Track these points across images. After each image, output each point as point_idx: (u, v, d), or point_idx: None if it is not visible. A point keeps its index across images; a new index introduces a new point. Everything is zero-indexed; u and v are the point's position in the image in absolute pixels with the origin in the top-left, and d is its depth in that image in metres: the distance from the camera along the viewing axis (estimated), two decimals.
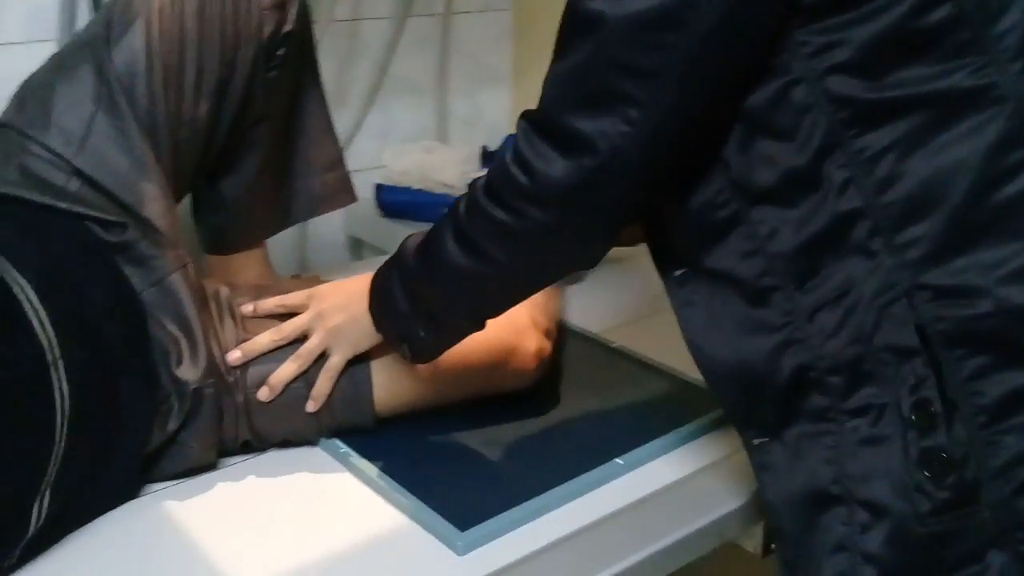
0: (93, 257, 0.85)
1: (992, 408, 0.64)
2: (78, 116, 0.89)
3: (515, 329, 0.96)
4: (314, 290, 0.94)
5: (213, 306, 0.93)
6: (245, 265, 1.13)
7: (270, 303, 0.94)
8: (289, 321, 0.93)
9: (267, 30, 0.98)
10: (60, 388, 0.75)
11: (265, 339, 0.91)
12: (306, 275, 1.29)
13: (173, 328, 0.87)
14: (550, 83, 0.70)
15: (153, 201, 0.90)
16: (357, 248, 1.70)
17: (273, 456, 0.93)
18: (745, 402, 0.75)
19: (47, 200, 0.86)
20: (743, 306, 0.72)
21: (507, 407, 0.98)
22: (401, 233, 1.55)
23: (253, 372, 0.90)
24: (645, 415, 0.98)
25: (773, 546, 0.85)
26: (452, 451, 0.93)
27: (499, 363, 0.96)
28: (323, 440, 0.94)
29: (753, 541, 0.89)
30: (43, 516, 0.76)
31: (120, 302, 0.85)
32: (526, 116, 0.72)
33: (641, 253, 0.85)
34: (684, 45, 0.64)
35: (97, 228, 0.87)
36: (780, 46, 0.65)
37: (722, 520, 0.83)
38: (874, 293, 0.66)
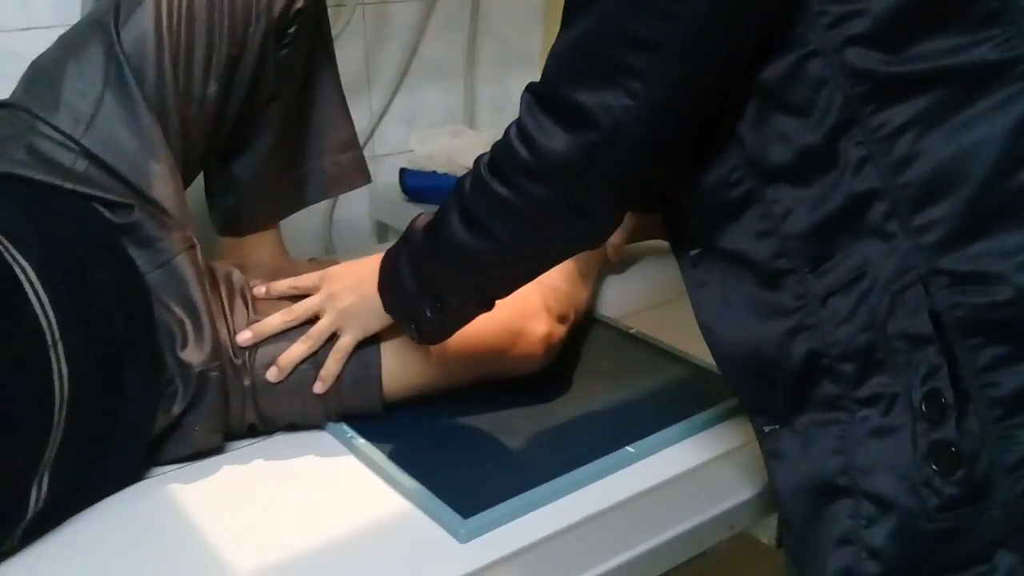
0: (98, 239, 0.85)
1: (1008, 401, 0.61)
2: (86, 96, 0.89)
3: (524, 313, 0.95)
4: (326, 271, 0.93)
5: (223, 288, 0.92)
6: (259, 247, 1.13)
7: (282, 285, 0.93)
8: (301, 302, 0.92)
9: (277, 8, 0.97)
10: (59, 370, 0.75)
11: (276, 320, 0.90)
12: (324, 258, 1.28)
13: (179, 310, 0.86)
14: (553, 55, 0.69)
15: (161, 182, 0.89)
16: (383, 232, 1.69)
17: (279, 440, 0.93)
18: (756, 387, 0.72)
19: (53, 180, 0.86)
20: (756, 288, 0.69)
21: (518, 393, 0.97)
22: None
23: (262, 353, 0.90)
24: (659, 402, 0.96)
25: None
26: (460, 437, 0.92)
27: (507, 346, 0.95)
28: (330, 424, 0.93)
29: (768, 533, 0.86)
30: (42, 498, 0.76)
31: (124, 284, 0.85)
32: (530, 88, 0.70)
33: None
34: (689, 15, 0.61)
35: (103, 209, 0.86)
36: (797, 17, 0.62)
37: (732, 511, 0.81)
38: (889, 278, 0.63)
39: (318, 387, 0.90)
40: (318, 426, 0.93)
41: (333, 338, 0.91)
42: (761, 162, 0.66)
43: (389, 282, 0.86)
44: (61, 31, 0.96)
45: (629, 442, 0.87)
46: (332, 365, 0.90)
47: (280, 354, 0.90)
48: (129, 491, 0.85)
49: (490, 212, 0.74)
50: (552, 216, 0.72)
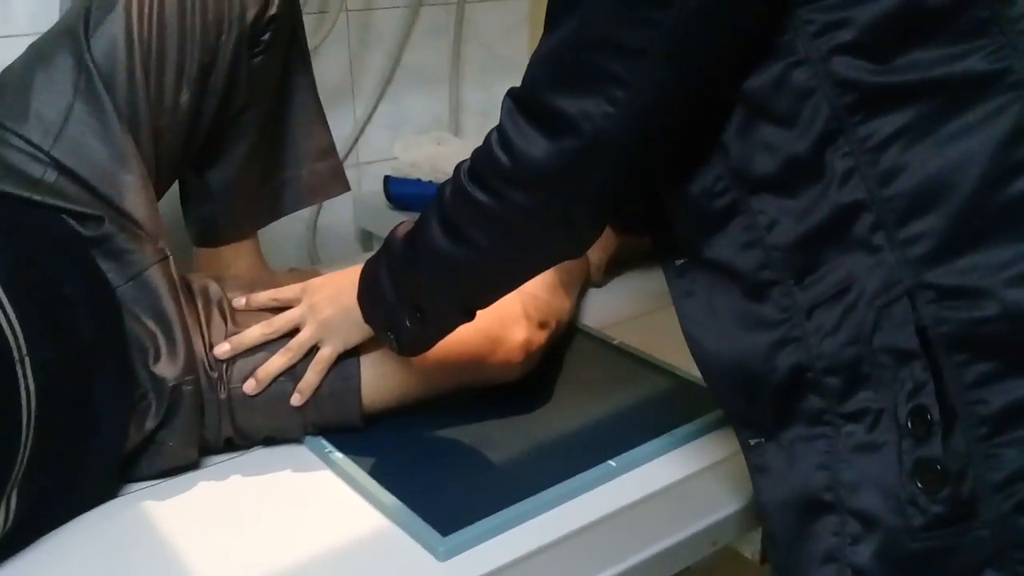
0: (67, 252, 0.83)
1: (995, 418, 0.59)
2: (56, 106, 0.87)
3: (503, 320, 0.93)
4: (307, 283, 0.92)
5: (200, 300, 0.91)
6: (236, 257, 1.11)
7: (263, 296, 0.92)
8: (281, 315, 0.90)
9: (250, 15, 0.95)
10: (26, 386, 0.73)
11: (255, 332, 0.89)
12: (305, 268, 1.27)
13: (151, 324, 0.85)
14: (535, 60, 0.67)
15: (133, 192, 0.88)
16: (367, 240, 1.67)
17: (257, 455, 0.91)
18: (741, 400, 0.71)
19: (22, 192, 0.84)
20: (742, 300, 0.68)
21: (500, 406, 0.96)
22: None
23: (239, 366, 0.88)
24: (642, 415, 0.95)
25: None
26: (439, 451, 0.91)
27: (486, 353, 0.93)
28: (308, 439, 0.92)
29: (751, 547, 0.85)
30: (11, 517, 0.74)
31: (94, 298, 0.83)
32: (511, 94, 0.69)
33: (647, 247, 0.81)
34: (672, 22, 0.60)
35: (72, 222, 0.84)
36: (783, 25, 0.61)
37: (715, 526, 0.80)
38: (875, 291, 0.62)
39: (296, 399, 0.88)
40: (296, 440, 0.92)
41: (313, 351, 0.89)
42: (746, 172, 0.65)
43: (369, 293, 0.85)
44: None
45: (611, 456, 0.86)
46: (312, 377, 0.88)
47: (258, 367, 0.88)
48: (102, 509, 0.83)
49: (470, 220, 0.73)
50: (533, 224, 0.71)
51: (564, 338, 1.10)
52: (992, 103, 0.59)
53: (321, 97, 1.14)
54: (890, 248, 0.61)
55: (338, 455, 0.88)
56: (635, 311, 1.19)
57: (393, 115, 1.68)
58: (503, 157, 0.68)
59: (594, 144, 0.64)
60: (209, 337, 0.88)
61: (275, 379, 0.88)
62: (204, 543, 0.78)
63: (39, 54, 0.91)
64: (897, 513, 0.61)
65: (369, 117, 1.65)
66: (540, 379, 1.00)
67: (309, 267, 1.31)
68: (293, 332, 0.90)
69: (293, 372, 0.89)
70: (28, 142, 0.86)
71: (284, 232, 1.58)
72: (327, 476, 0.87)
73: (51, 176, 0.85)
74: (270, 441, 0.92)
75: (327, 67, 1.56)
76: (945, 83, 0.59)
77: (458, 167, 0.74)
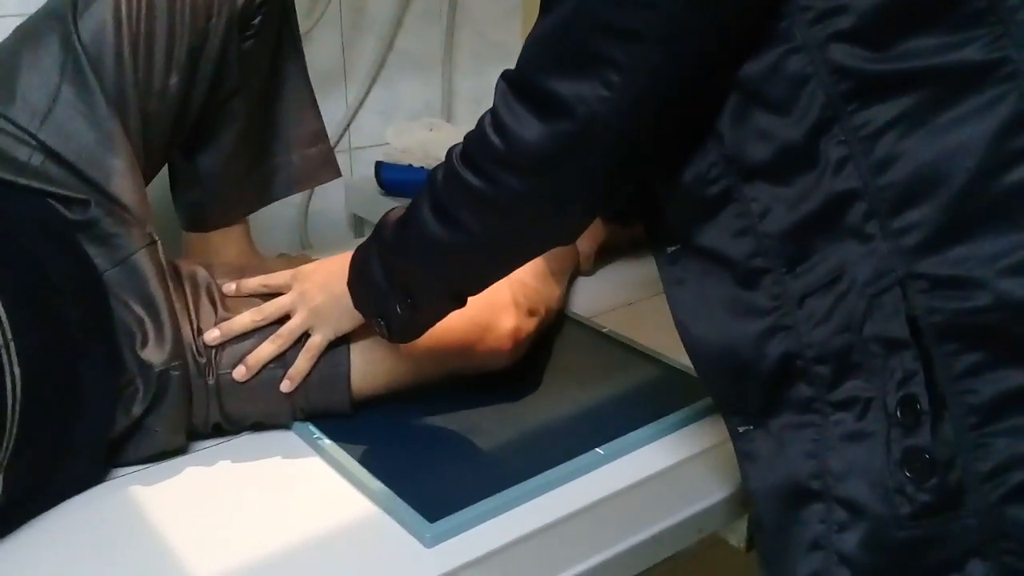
0: (53, 236, 0.83)
1: (984, 408, 0.59)
2: (43, 88, 0.86)
3: (492, 307, 0.93)
4: (298, 270, 0.92)
5: (188, 286, 0.90)
6: (226, 242, 1.11)
7: (253, 282, 0.92)
8: (271, 301, 0.90)
9: None
10: (11, 371, 0.73)
11: (245, 319, 0.89)
12: (295, 254, 1.26)
13: (138, 308, 0.84)
14: (530, 42, 0.67)
15: (120, 176, 0.87)
16: (359, 226, 1.67)
17: (245, 440, 0.91)
18: (731, 388, 0.71)
19: (7, 176, 0.83)
20: (733, 287, 0.68)
21: (488, 393, 0.95)
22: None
23: (229, 351, 0.88)
24: (631, 403, 0.95)
25: None
26: (428, 438, 0.91)
27: (475, 341, 0.93)
28: (297, 425, 0.91)
29: (737, 535, 0.85)
30: None
31: (81, 282, 0.82)
32: (505, 76, 0.68)
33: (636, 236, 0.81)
34: (670, 6, 0.59)
35: (59, 206, 0.84)
36: (780, 11, 0.60)
37: (702, 513, 0.80)
38: (866, 280, 0.61)
39: (286, 386, 0.88)
40: (284, 426, 0.92)
41: (303, 337, 0.89)
42: (740, 159, 0.65)
43: (359, 278, 0.84)
44: None
45: (599, 444, 0.86)
46: (302, 364, 0.88)
47: (247, 353, 0.88)
48: (89, 493, 0.83)
49: (462, 204, 0.72)
50: (525, 208, 0.70)
51: (553, 326, 1.09)
52: (988, 93, 0.58)
53: (313, 82, 1.14)
54: (883, 237, 0.61)
55: (326, 441, 0.88)
56: (624, 299, 1.19)
57: (385, 101, 1.67)
58: (496, 140, 0.67)
59: (588, 128, 0.63)
60: (198, 322, 0.88)
61: (265, 366, 0.88)
62: (191, 528, 0.78)
63: (26, 36, 0.90)
64: (884, 502, 0.61)
65: (361, 102, 1.64)
66: (529, 367, 1.00)
67: (300, 253, 1.31)
68: (283, 319, 0.89)
69: (283, 359, 0.88)
70: (15, 125, 0.85)
71: (276, 217, 1.57)
72: (315, 462, 0.87)
73: (37, 159, 0.85)
74: (258, 427, 0.91)
75: (319, 52, 1.55)
76: (942, 72, 0.59)
77: (450, 151, 0.74)
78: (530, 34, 0.67)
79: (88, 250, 0.84)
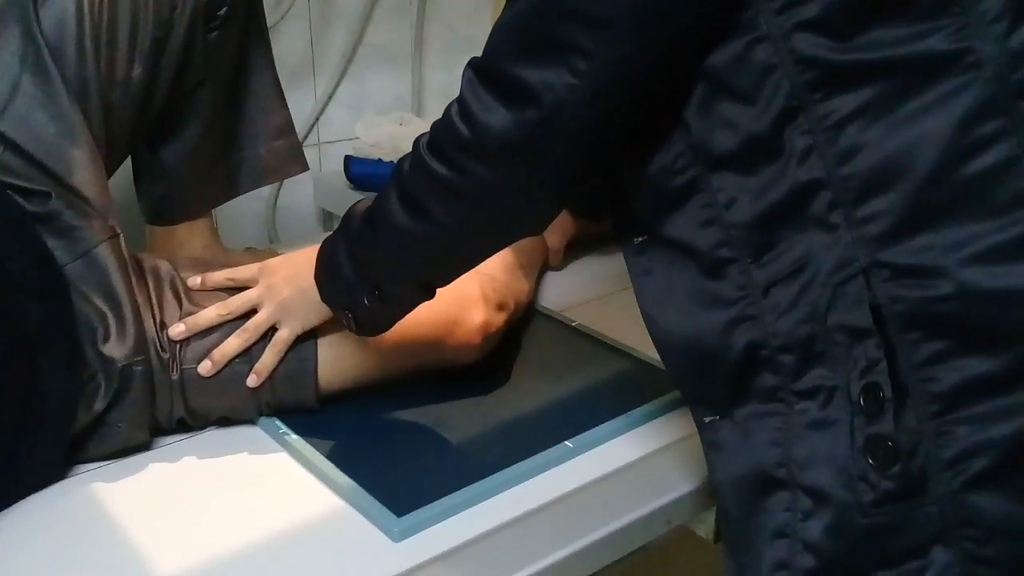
0: (12, 228, 0.81)
1: (946, 396, 0.59)
2: (2, 79, 0.85)
3: (461, 302, 0.93)
4: (264, 263, 0.91)
5: (151, 280, 0.89)
6: (191, 236, 1.09)
7: (219, 276, 0.91)
8: (238, 295, 0.89)
9: None
10: None
11: (211, 313, 0.88)
12: (261, 248, 1.25)
13: (100, 302, 0.83)
14: (498, 28, 0.66)
15: (81, 168, 0.86)
16: (328, 220, 1.66)
17: (210, 436, 0.90)
18: (697, 378, 0.71)
19: None
20: (699, 278, 0.68)
21: (456, 387, 0.95)
22: None
23: (194, 346, 0.87)
24: (600, 396, 0.95)
25: None
26: (396, 432, 0.90)
27: (443, 335, 0.93)
28: (263, 420, 0.90)
29: (705, 526, 0.85)
30: None
31: (40, 276, 0.81)
32: (472, 63, 0.68)
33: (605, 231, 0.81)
34: None
35: (18, 197, 0.82)
36: (746, 1, 0.60)
37: (670, 505, 0.80)
38: (830, 269, 0.62)
39: (252, 380, 0.87)
40: (250, 421, 0.91)
41: (269, 332, 0.88)
42: (706, 149, 0.65)
43: (326, 271, 0.84)
44: None
45: (568, 437, 0.86)
46: (269, 358, 0.87)
47: (212, 347, 0.87)
48: (50, 490, 0.81)
49: (429, 193, 0.72)
50: (492, 197, 0.70)
51: (523, 320, 1.09)
52: (951, 83, 0.59)
53: (281, 75, 1.13)
54: (847, 227, 0.61)
55: (292, 436, 0.87)
56: (593, 293, 1.19)
57: (354, 94, 1.66)
58: (463, 128, 0.67)
59: (555, 115, 0.63)
60: (161, 317, 0.87)
61: (231, 360, 0.87)
62: (155, 525, 0.77)
63: None
64: (848, 489, 0.61)
65: (330, 96, 1.63)
66: (498, 360, 1.00)
67: (267, 247, 1.29)
68: (249, 313, 0.89)
69: (249, 353, 0.87)
70: None
71: (244, 212, 1.56)
72: (281, 457, 0.86)
73: None
74: (223, 422, 0.90)
75: (287, 44, 1.54)
76: (906, 62, 0.59)
77: (417, 140, 0.73)
78: (498, 21, 0.66)
79: (48, 243, 0.82)
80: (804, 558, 0.63)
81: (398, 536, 0.75)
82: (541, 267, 1.22)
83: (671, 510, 0.81)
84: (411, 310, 0.84)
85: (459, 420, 0.91)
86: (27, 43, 0.86)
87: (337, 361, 0.91)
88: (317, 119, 1.62)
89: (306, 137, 1.61)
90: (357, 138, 1.58)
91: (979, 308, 0.59)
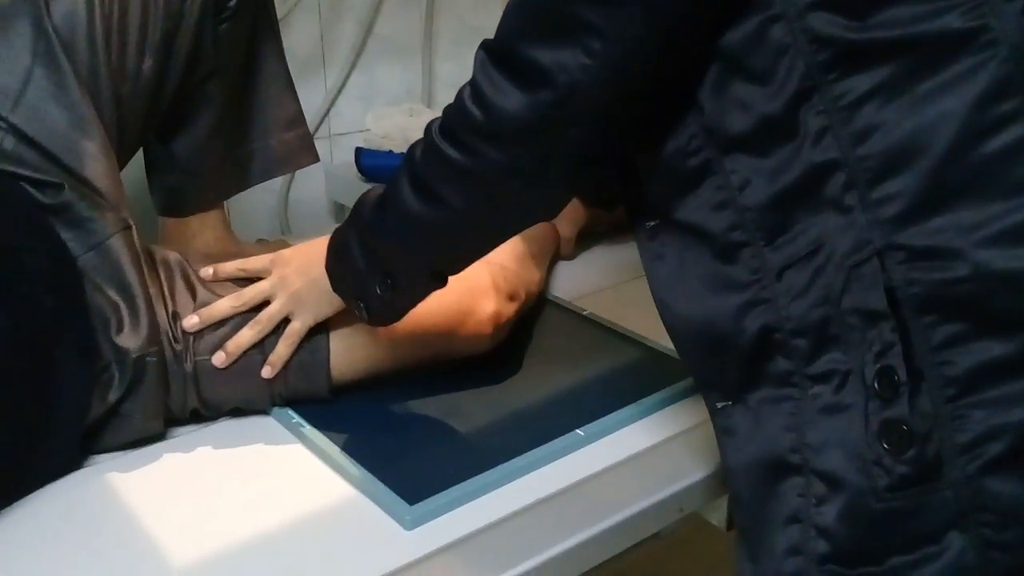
0: (26, 220, 0.82)
1: (962, 380, 0.59)
2: (14, 71, 0.85)
3: (472, 292, 0.93)
4: (276, 255, 0.91)
5: (163, 271, 0.89)
6: (203, 228, 1.10)
7: (230, 267, 0.91)
8: (251, 287, 0.89)
9: None
10: None
11: (224, 305, 0.88)
12: (272, 240, 1.25)
13: (113, 294, 0.83)
14: (510, 10, 0.65)
15: (94, 160, 0.86)
16: (340, 212, 1.66)
17: (223, 426, 0.90)
18: (709, 363, 0.71)
19: None
20: (712, 261, 0.67)
21: (468, 376, 0.95)
22: None
23: (207, 337, 0.87)
24: (611, 384, 0.94)
25: None
26: (408, 422, 0.90)
27: (455, 326, 0.93)
28: (275, 410, 0.91)
29: (717, 514, 0.85)
30: None
31: (54, 267, 0.81)
32: (484, 45, 0.67)
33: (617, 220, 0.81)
34: None
35: (31, 189, 0.83)
36: None
37: (682, 493, 0.80)
38: (845, 252, 0.61)
39: (266, 371, 0.88)
40: (263, 411, 0.91)
41: (282, 323, 0.88)
42: (720, 131, 0.64)
43: (337, 260, 0.84)
44: None
45: (580, 425, 0.86)
46: (283, 350, 0.88)
47: (225, 338, 0.87)
48: (67, 480, 0.82)
49: (442, 178, 0.71)
50: (506, 181, 0.69)
51: (534, 309, 1.09)
52: (968, 61, 0.58)
53: (291, 67, 1.13)
54: (862, 208, 0.60)
55: (306, 426, 0.88)
56: (604, 282, 1.19)
57: (365, 86, 1.66)
58: (476, 111, 0.66)
59: (569, 96, 0.63)
60: (174, 308, 0.87)
61: (244, 352, 0.87)
62: (170, 514, 0.78)
63: None
64: (862, 474, 0.60)
65: (340, 88, 1.63)
66: (509, 350, 1.00)
67: (278, 239, 1.30)
68: (262, 304, 0.89)
69: (262, 344, 0.88)
70: None
71: (256, 204, 1.56)
72: (294, 447, 0.86)
73: (9, 143, 0.84)
74: (237, 412, 0.91)
75: (297, 36, 1.54)
76: (921, 40, 0.58)
77: (429, 125, 0.73)
78: (510, 2, 0.65)
79: (62, 234, 0.83)
80: (818, 543, 0.62)
81: (410, 524, 0.75)
82: (552, 256, 1.22)
83: (683, 498, 0.80)
84: (423, 299, 0.84)
85: (471, 409, 0.91)
86: (38, 36, 0.86)
87: (349, 352, 0.91)
88: (328, 111, 1.63)
89: (317, 129, 1.61)
90: (368, 130, 1.58)
91: (995, 290, 0.58)
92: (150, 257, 0.89)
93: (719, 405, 0.70)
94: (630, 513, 0.77)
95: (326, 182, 1.63)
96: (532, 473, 0.81)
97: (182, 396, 0.87)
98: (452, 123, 0.69)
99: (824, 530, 0.62)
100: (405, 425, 0.90)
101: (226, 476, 0.83)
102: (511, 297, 0.98)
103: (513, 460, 0.81)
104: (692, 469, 0.82)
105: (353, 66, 1.63)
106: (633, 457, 0.84)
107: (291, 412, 0.90)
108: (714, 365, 0.70)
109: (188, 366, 0.86)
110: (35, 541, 0.75)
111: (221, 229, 1.12)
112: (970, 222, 0.58)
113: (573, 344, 1.03)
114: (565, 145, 0.66)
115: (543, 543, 0.74)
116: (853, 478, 0.61)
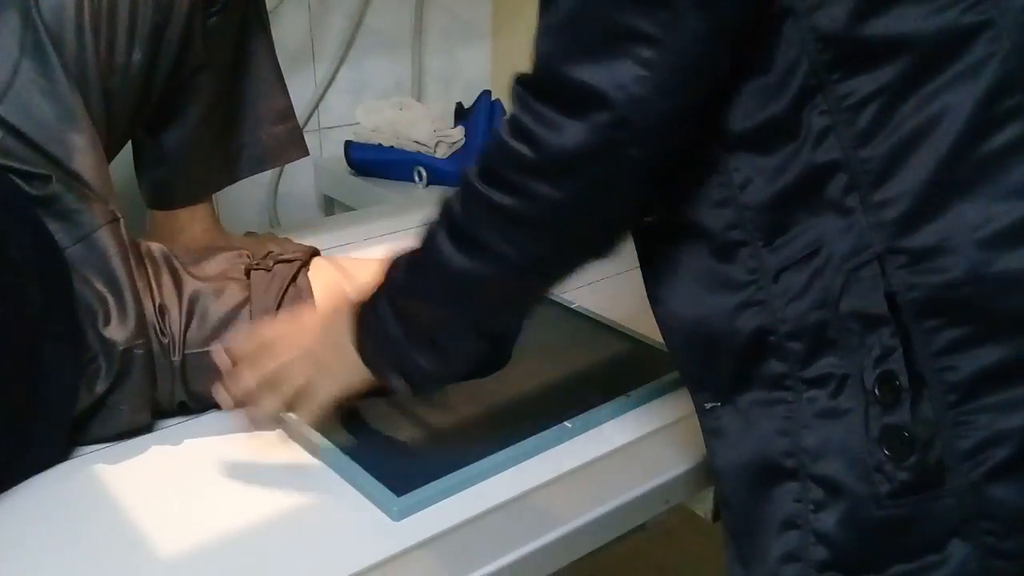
0: (13, 211, 0.81)
1: (964, 385, 0.58)
2: (2, 63, 0.85)
3: None
4: (260, 342, 0.82)
5: (149, 263, 0.89)
6: (191, 220, 1.10)
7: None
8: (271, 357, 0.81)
9: None
10: None
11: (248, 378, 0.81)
12: (261, 233, 1.25)
13: (100, 286, 0.83)
14: (543, 35, 0.61)
15: (82, 153, 0.86)
16: (329, 206, 1.66)
17: (211, 418, 0.90)
18: (701, 362, 0.69)
19: None
20: (709, 260, 0.66)
21: None
22: (371, 191, 1.53)
23: (195, 332, 0.87)
24: (599, 377, 0.95)
25: None
26: (395, 413, 0.90)
27: None
28: None
29: (703, 506, 0.86)
30: None
31: (41, 259, 0.81)
32: (521, 81, 0.62)
33: None
34: None
35: (19, 181, 0.83)
36: None
37: (668, 484, 0.80)
38: (844, 255, 0.60)
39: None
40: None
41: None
42: (724, 127, 0.63)
43: (365, 330, 0.76)
44: None
45: (567, 417, 0.86)
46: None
47: (213, 334, 0.87)
48: (53, 471, 0.82)
49: (490, 226, 0.66)
50: (564, 220, 0.65)
51: None
52: (971, 58, 0.57)
53: (281, 61, 1.13)
54: (863, 211, 0.59)
55: (292, 417, 0.88)
56: (593, 275, 1.19)
57: (354, 80, 1.67)
58: (525, 149, 0.61)
59: (629, 114, 0.58)
60: (161, 300, 0.87)
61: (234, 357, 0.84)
62: (158, 506, 0.78)
63: None
64: (863, 480, 0.60)
65: (330, 81, 1.63)
66: None
67: (267, 232, 1.30)
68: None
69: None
70: None
71: (245, 197, 1.57)
72: (281, 438, 0.86)
73: None
74: None
75: (287, 30, 1.54)
76: (925, 39, 0.57)
77: (464, 173, 0.68)
78: (539, 29, 0.61)
79: (49, 226, 0.83)
80: (817, 550, 0.62)
81: (398, 515, 0.75)
82: None
83: (669, 489, 0.81)
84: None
85: (458, 400, 0.91)
86: (26, 28, 0.86)
87: None
88: (317, 105, 1.63)
89: (306, 123, 1.61)
90: (357, 123, 1.59)
91: (996, 293, 0.57)
92: (137, 250, 0.89)
93: (708, 406, 0.69)
94: (617, 505, 0.77)
95: (315, 176, 1.63)
96: (520, 465, 0.81)
97: (169, 389, 0.87)
98: (495, 165, 0.65)
99: (824, 536, 0.62)
100: (392, 416, 0.90)
101: (213, 468, 0.83)
102: None
103: (501, 452, 0.82)
104: (678, 461, 0.82)
105: (342, 60, 1.63)
106: (620, 449, 0.84)
107: None
108: (705, 364, 0.69)
109: (175, 359, 0.86)
110: (22, 532, 0.75)
111: (210, 222, 1.12)
112: (971, 222, 0.57)
113: (561, 337, 1.04)
114: (628, 168, 0.62)
115: (531, 534, 0.74)
116: (853, 484, 0.60)
